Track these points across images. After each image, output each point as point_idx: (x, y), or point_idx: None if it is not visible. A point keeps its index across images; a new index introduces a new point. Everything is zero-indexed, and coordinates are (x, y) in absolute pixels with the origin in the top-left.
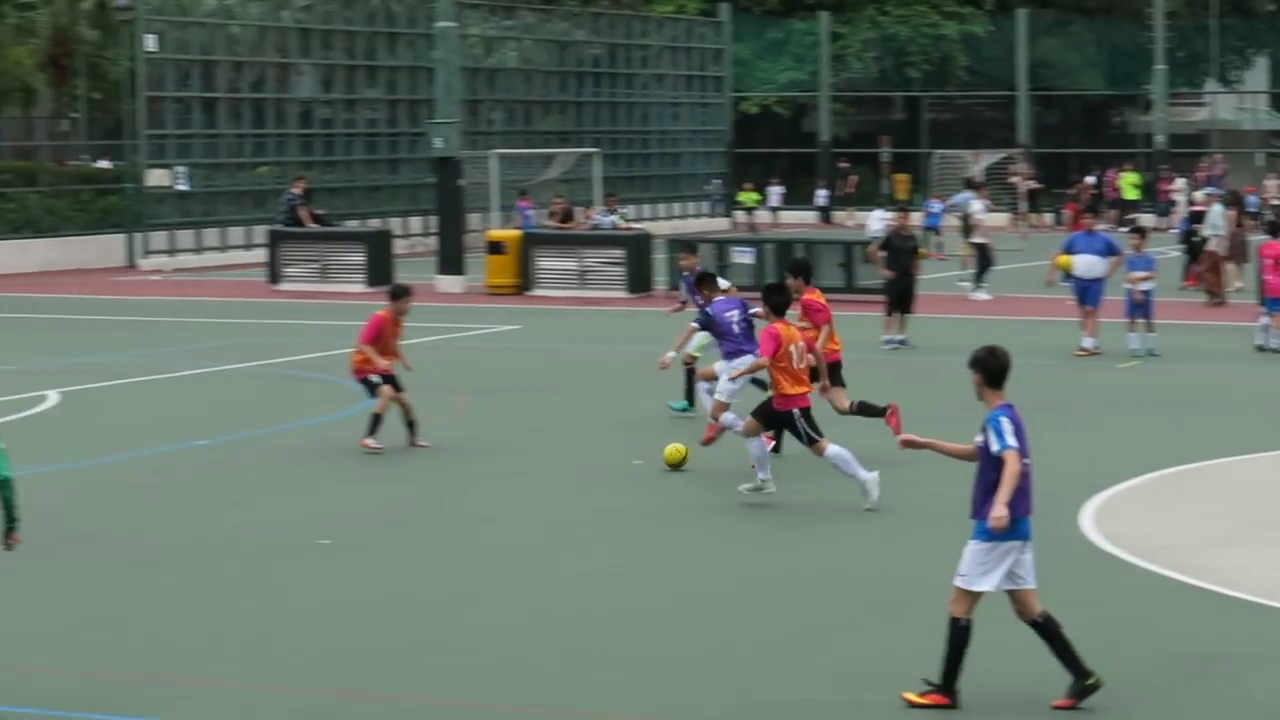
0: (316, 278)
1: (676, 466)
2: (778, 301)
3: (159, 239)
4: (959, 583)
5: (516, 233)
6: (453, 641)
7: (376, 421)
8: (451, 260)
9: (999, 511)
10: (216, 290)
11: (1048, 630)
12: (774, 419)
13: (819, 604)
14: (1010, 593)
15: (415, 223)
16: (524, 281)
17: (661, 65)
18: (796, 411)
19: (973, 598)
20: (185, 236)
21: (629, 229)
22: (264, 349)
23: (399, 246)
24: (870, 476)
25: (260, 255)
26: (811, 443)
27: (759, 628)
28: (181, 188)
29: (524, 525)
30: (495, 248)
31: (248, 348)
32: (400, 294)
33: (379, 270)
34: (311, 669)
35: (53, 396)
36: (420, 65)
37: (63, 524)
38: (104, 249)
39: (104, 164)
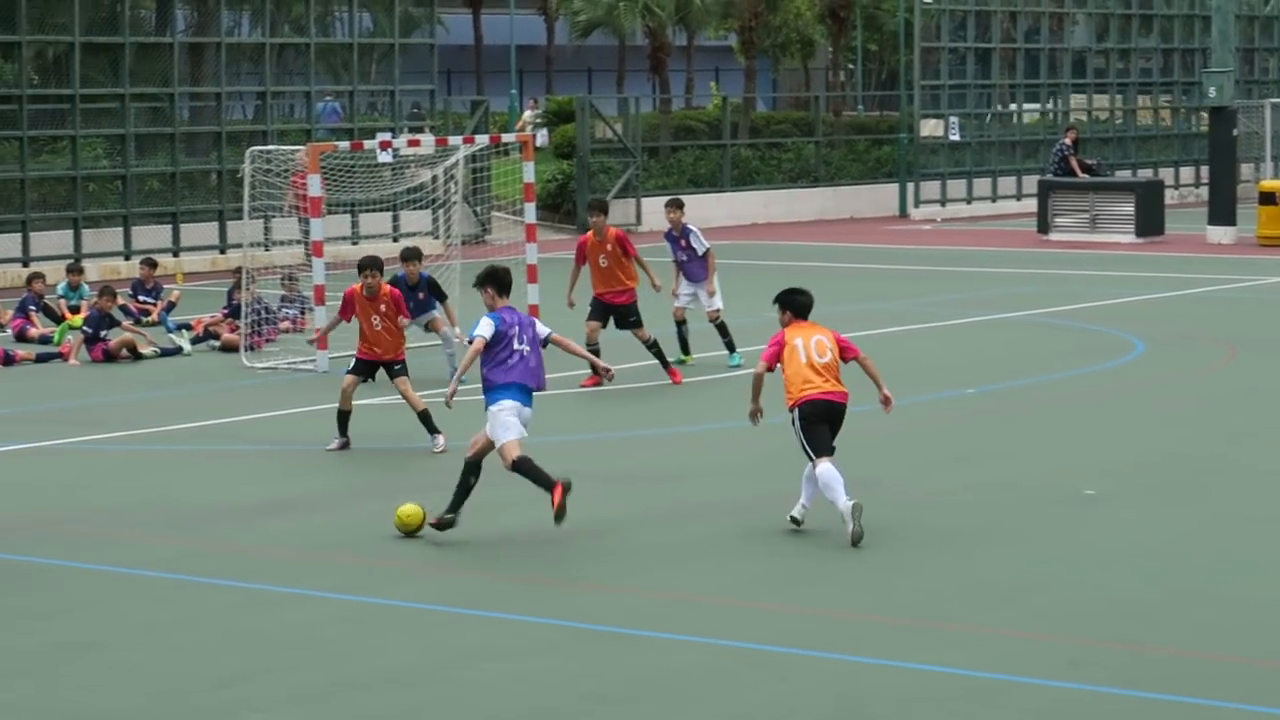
0: (1086, 228)
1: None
2: None
3: (931, 188)
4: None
5: None
6: (1210, 595)
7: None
8: (1223, 211)
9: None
10: (985, 240)
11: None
12: None
13: None
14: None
15: (1186, 173)
16: None
17: None
18: None
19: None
20: (956, 186)
21: None
22: (1031, 299)
23: (1169, 197)
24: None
25: (1030, 205)
26: None
27: None
28: (954, 138)
29: None
30: (1268, 198)
31: (1015, 297)
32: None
33: (1149, 221)
34: (1073, 619)
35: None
36: (1195, 13)
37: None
38: (877, 198)
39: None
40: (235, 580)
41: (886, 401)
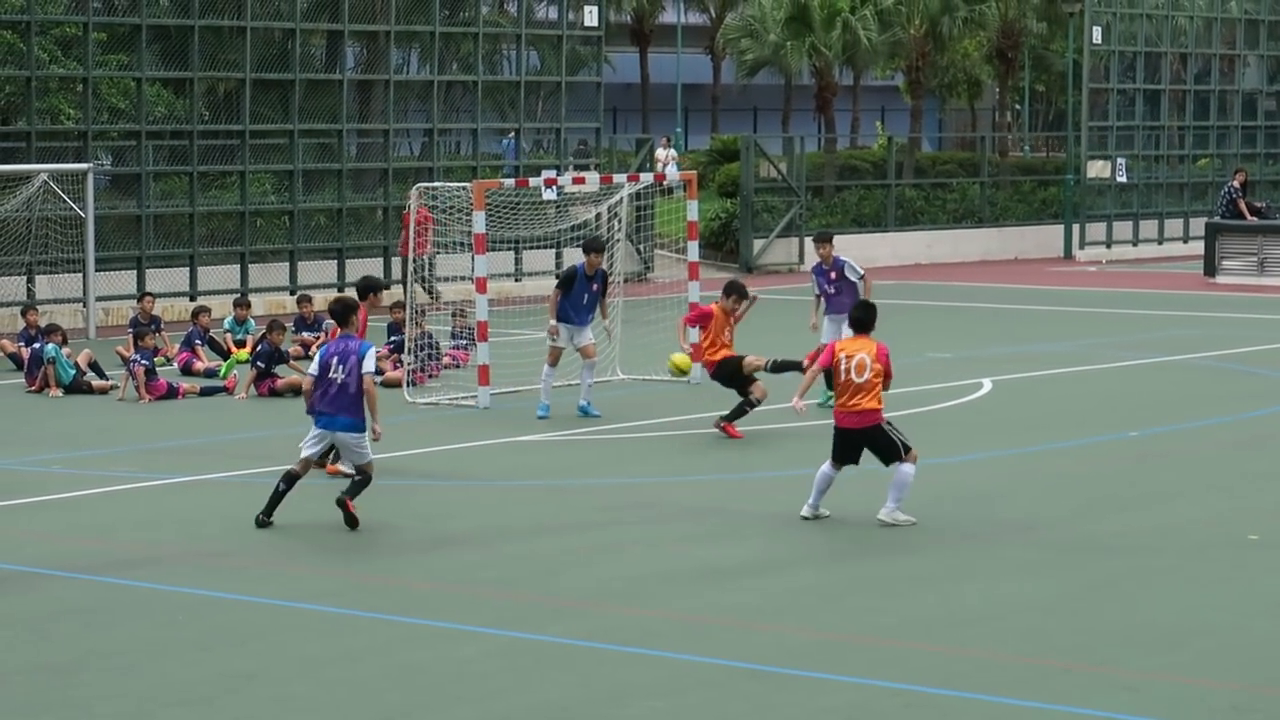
0: (1254, 271)
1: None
2: None
3: (1096, 230)
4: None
5: None
6: None
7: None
8: None
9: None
10: (1151, 282)
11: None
12: None
13: None
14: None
15: None
16: None
17: None
18: None
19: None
20: (1122, 228)
21: None
22: (1197, 341)
23: None
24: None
25: (1197, 248)
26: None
27: None
28: (1121, 179)
29: None
30: None
31: (1181, 340)
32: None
33: None
34: (1237, 665)
35: (986, 384)
36: None
37: (994, 510)
38: (1042, 239)
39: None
40: (394, 615)
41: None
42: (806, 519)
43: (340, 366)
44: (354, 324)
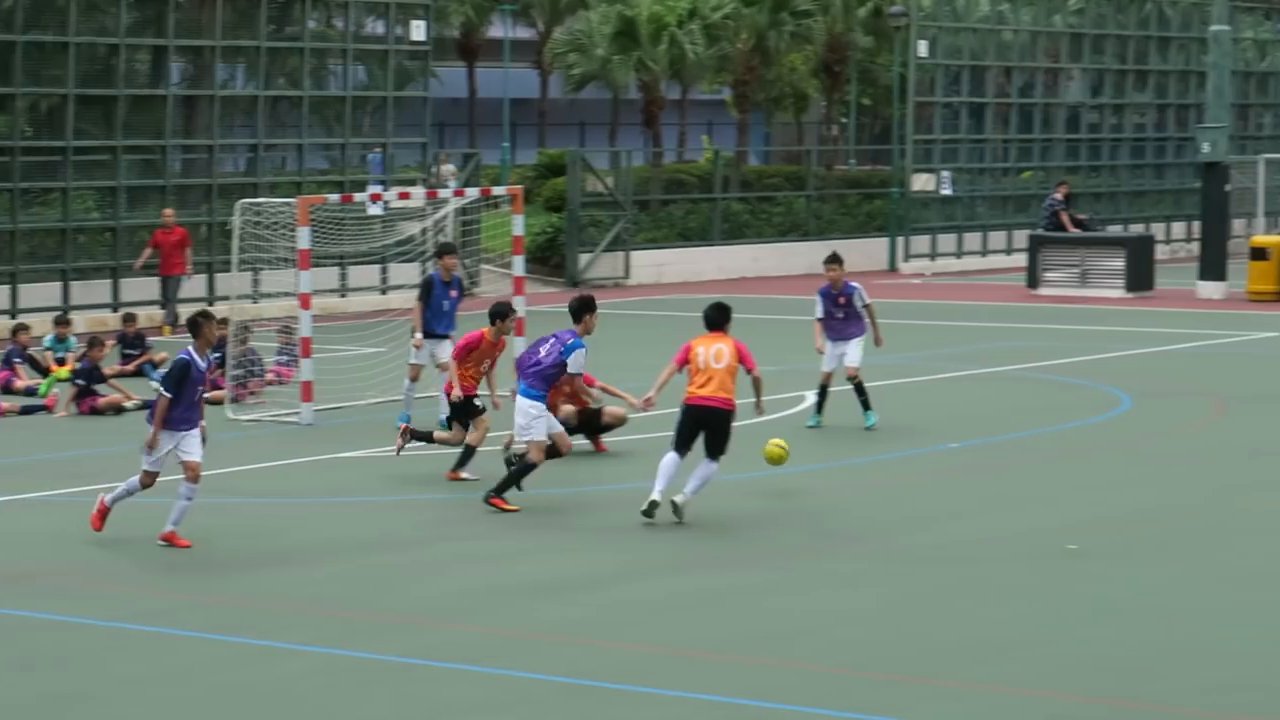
0: (1076, 283)
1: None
2: None
3: (921, 243)
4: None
5: None
6: (1202, 652)
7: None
8: (1214, 266)
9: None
10: (975, 294)
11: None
12: None
13: None
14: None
15: (1178, 228)
16: None
17: None
18: None
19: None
20: (947, 240)
21: None
22: (1019, 353)
23: (1160, 252)
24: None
25: (1020, 260)
26: None
27: None
28: (945, 192)
29: None
30: (1259, 254)
31: (1003, 352)
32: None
33: (1139, 276)
34: (1055, 674)
35: (809, 397)
36: (1191, 69)
37: (817, 522)
38: (867, 252)
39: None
40: (218, 634)
41: (759, 410)
42: (656, 504)
43: (547, 346)
44: (584, 324)
